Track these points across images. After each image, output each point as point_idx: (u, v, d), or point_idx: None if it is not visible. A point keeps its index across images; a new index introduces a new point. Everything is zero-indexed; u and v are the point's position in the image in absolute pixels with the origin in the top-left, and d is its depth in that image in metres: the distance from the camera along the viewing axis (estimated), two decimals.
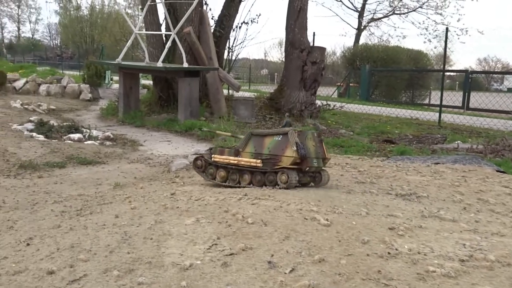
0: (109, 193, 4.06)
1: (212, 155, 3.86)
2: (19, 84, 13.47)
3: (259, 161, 3.37)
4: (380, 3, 30.60)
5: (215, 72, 11.06)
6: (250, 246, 1.97)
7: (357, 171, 4.42)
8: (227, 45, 13.26)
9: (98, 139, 7.58)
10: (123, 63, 10.27)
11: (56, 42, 52.52)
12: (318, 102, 12.38)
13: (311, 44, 12.83)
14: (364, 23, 30.16)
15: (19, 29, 53.93)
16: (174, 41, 9.76)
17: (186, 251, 1.95)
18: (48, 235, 2.39)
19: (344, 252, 1.92)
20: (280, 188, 3.20)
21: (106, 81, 16.25)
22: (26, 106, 10.58)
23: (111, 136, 7.75)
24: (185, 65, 9.68)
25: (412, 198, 3.07)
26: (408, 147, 7.46)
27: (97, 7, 40.00)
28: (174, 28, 9.91)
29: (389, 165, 4.81)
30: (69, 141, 7.09)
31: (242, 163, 3.51)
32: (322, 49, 11.82)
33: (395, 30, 53.58)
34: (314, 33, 14.84)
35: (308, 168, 3.29)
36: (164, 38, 11.33)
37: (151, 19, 11.18)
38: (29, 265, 1.89)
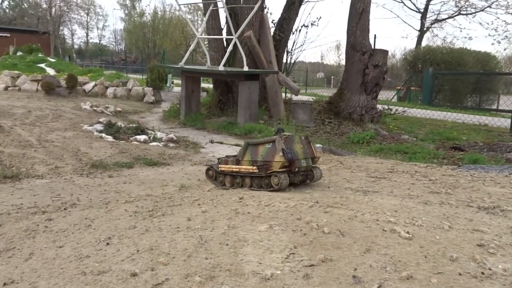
0: (177, 195, 4.13)
1: (219, 165, 4.35)
2: (88, 87, 14.19)
3: (255, 167, 3.80)
4: (444, 3, 29.27)
5: (274, 75, 11.06)
6: (330, 258, 1.89)
7: (429, 180, 4.19)
8: (286, 48, 13.21)
9: (162, 140, 7.78)
10: (186, 67, 10.51)
11: (120, 47, 55.14)
12: (379, 106, 12.01)
13: (373, 46, 12.49)
14: (427, 25, 28.98)
15: (87, 35, 57.18)
16: (235, 44, 9.86)
17: (263, 259, 1.91)
18: (126, 235, 2.44)
19: (432, 269, 1.79)
20: (274, 190, 3.59)
21: (168, 84, 16.74)
22: (95, 108, 11.11)
23: (174, 138, 7.94)
24: (245, 68, 9.74)
25: (496, 212, 2.84)
26: (480, 155, 7.01)
27: (159, 13, 41.49)
28: (235, 32, 10.01)
29: (463, 175, 4.53)
30: (136, 142, 7.34)
31: (242, 170, 3.97)
32: (385, 52, 11.47)
33: (460, 31, 51.19)
34: (375, 35, 14.44)
35: (297, 169, 3.68)
36: (225, 42, 11.50)
37: (213, 24, 11.37)
38: (111, 265, 1.93)
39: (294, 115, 11.54)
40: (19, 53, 28.76)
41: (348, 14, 11.25)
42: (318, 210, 2.67)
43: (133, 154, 6.52)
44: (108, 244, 2.28)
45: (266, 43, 11.29)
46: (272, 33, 11.75)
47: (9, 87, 13.71)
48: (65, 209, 3.86)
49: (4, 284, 1.91)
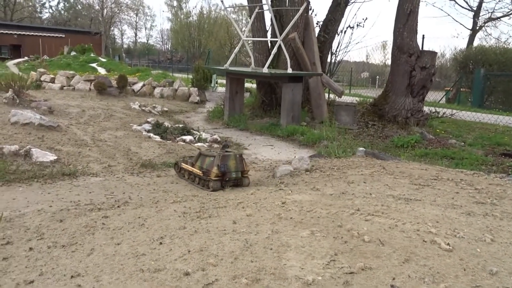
0: (221, 197, 4.31)
1: (182, 163, 5.59)
2: (137, 87, 14.78)
3: (201, 172, 5.08)
4: (500, 1, 28.04)
5: (318, 77, 11.09)
6: (369, 266, 1.98)
7: (474, 189, 4.15)
8: (331, 49, 13.18)
9: (207, 141, 8.04)
10: (230, 68, 10.75)
11: (167, 46, 56.67)
12: (426, 109, 11.76)
13: (420, 47, 12.23)
14: (479, 23, 27.88)
15: (136, 35, 59.15)
16: (279, 46, 9.99)
17: (305, 264, 2.03)
18: (176, 235, 2.63)
19: (471, 282, 1.85)
20: (211, 191, 4.83)
21: (212, 85, 17.11)
22: (143, 108, 11.58)
23: (218, 139, 8.17)
24: (289, 70, 9.84)
25: None
26: None
27: (205, 13, 42.28)
28: (279, 34, 10.13)
29: (511, 184, 4.43)
30: (182, 143, 7.63)
31: (194, 171, 5.23)
32: (433, 54, 11.21)
33: None
34: (423, 36, 14.12)
35: (228, 179, 4.97)
36: (269, 44, 11.65)
37: (258, 26, 11.55)
38: (166, 264, 2.11)
39: (337, 117, 11.52)
40: (73, 53, 30.21)
41: (395, 14, 11.10)
42: (359, 218, 2.75)
43: (180, 154, 6.79)
44: (161, 243, 2.48)
45: (310, 45, 11.33)
46: (316, 35, 11.77)
47: (64, 86, 14.50)
48: (118, 206, 4.12)
49: (72, 276, 2.14)
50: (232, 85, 10.98)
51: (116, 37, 56.12)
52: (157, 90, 14.80)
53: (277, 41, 10.03)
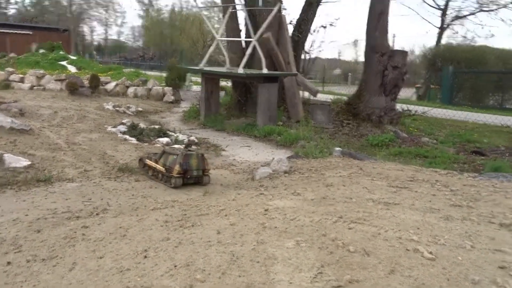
0: (202, 203, 4.28)
1: (146, 160, 5.78)
2: (110, 86, 14.49)
3: (164, 169, 5.30)
4: (465, 0, 28.85)
5: (293, 76, 11.14)
6: (356, 279, 2.01)
7: (450, 191, 4.26)
8: (304, 48, 13.26)
9: (184, 143, 7.96)
10: (206, 69, 10.67)
11: (138, 43, 55.76)
12: (398, 107, 12.00)
13: (392, 46, 12.46)
14: (447, 22, 28.62)
15: (106, 32, 57.89)
16: (253, 46, 9.97)
17: (293, 278, 2.04)
18: (161, 248, 2.60)
19: None
20: (172, 187, 5.18)
21: (186, 84, 16.95)
22: (117, 108, 11.37)
23: (196, 140, 8.11)
24: (265, 71, 9.84)
25: None
26: (501, 161, 7.01)
27: (177, 10, 41.79)
28: (254, 33, 10.12)
29: (484, 185, 4.58)
30: (159, 145, 7.53)
31: (158, 168, 5.44)
32: (404, 53, 11.45)
33: (482, 28, 50.29)
34: (394, 34, 14.39)
35: (189, 176, 5.23)
36: (243, 44, 11.62)
37: (232, 25, 11.50)
38: (152, 280, 2.09)
39: (312, 116, 11.62)
40: (41, 51, 29.32)
41: (367, 15, 11.25)
42: (342, 226, 2.79)
43: None
44: (145, 257, 2.44)
45: (284, 44, 11.37)
46: (290, 34, 11.82)
47: (34, 86, 14.08)
48: (97, 214, 4.04)
49: None
50: (207, 85, 10.91)
51: (85, 34, 54.88)
52: (131, 90, 14.55)
53: (251, 41, 10.01)
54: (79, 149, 6.61)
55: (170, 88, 14.80)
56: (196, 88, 17.39)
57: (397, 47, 11.83)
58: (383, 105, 11.15)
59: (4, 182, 4.93)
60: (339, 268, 2.14)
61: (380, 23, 10.94)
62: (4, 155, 5.57)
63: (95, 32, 58.27)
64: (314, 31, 13.31)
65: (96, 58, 38.39)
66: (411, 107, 13.14)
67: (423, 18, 52.54)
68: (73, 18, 38.34)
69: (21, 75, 14.50)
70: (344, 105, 12.39)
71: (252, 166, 6.78)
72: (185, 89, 16.42)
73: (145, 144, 7.55)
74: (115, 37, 60.39)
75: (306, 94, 12.89)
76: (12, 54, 29.40)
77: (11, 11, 53.94)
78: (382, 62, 10.99)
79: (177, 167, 5.15)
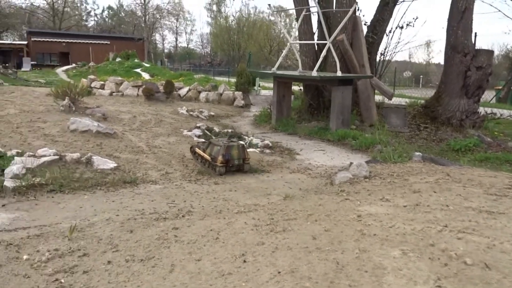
0: (286, 207, 4.20)
1: (196, 149, 6.44)
2: (183, 91, 14.95)
3: (210, 158, 5.92)
4: None
5: (367, 79, 10.81)
6: None
7: None
8: (379, 50, 12.83)
9: (258, 147, 7.96)
10: (278, 72, 10.65)
11: (207, 50, 57.39)
12: (481, 110, 11.23)
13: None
14: None
15: (176, 39, 60.23)
16: (327, 49, 9.79)
17: None
18: (258, 252, 2.54)
19: None
20: (217, 174, 5.83)
21: (256, 88, 17.08)
22: (191, 113, 11.67)
23: (270, 144, 8.08)
24: (339, 73, 9.63)
25: None
26: None
27: (244, 16, 42.45)
28: (328, 36, 9.94)
29: None
30: None
31: (205, 156, 6.05)
32: (490, 53, 10.70)
33: None
34: (475, 33, 13.51)
35: (231, 165, 5.83)
36: (316, 46, 11.47)
37: (305, 28, 11.39)
38: (258, 286, 2.02)
39: (387, 120, 11.20)
40: (118, 59, 31.05)
41: (448, 12, 10.65)
42: (450, 236, 2.57)
43: None
44: (245, 261, 2.40)
45: (358, 46, 11.07)
46: (364, 35, 11.49)
47: (113, 92, 14.87)
48: (183, 216, 4.10)
49: None
50: (279, 88, 10.87)
51: (157, 42, 57.43)
52: (203, 95, 14.91)
53: (325, 43, 9.84)
54: (160, 152, 6.82)
55: (240, 92, 14.98)
56: (265, 92, 17.48)
57: (477, 47, 11.00)
58: (465, 108, 10.48)
59: (94, 183, 5.18)
60: (458, 282, 1.95)
61: (463, 20, 10.31)
62: (93, 157, 5.86)
63: (166, 40, 60.92)
64: (389, 32, 12.85)
65: (167, 65, 39.98)
66: (496, 110, 12.25)
67: (506, 15, 48.85)
68: (146, 28, 40.28)
69: (102, 82, 15.38)
70: (421, 108, 11.81)
71: (329, 170, 6.61)
72: (255, 94, 16.55)
73: None
74: (184, 44, 62.72)
75: (379, 97, 12.46)
76: (91, 63, 31.44)
77: (91, 22, 57.85)
78: (464, 62, 10.34)
79: (220, 158, 5.78)
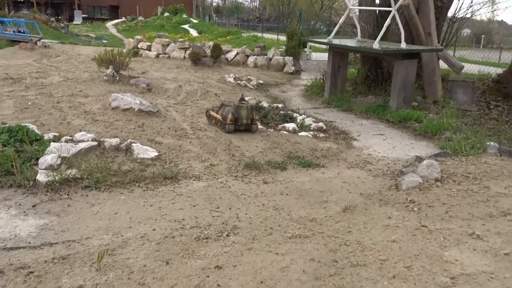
0: (349, 232, 3.49)
1: (210, 111, 6.71)
2: (230, 55, 14.13)
3: (221, 117, 6.25)
4: None
5: None
6: None
7: None
8: (447, 16, 11.33)
9: (311, 129, 7.17)
10: (334, 42, 9.58)
11: (255, 4, 55.27)
12: None
13: None
14: None
15: None
16: (388, 16, 8.57)
17: None
18: None
19: None
20: (226, 132, 6.25)
21: (307, 51, 15.96)
22: (238, 82, 10.92)
23: (324, 127, 7.25)
24: (403, 45, 8.46)
25: None
26: None
27: None
28: (394, 2, 8.69)
29: None
30: (285, 132, 6.84)
31: (217, 117, 6.35)
32: None
33: None
34: None
35: (240, 123, 6.17)
36: (377, 12, 10.21)
37: None
38: None
39: (452, 96, 9.99)
40: (165, 14, 30.34)
41: None
42: None
43: (284, 149, 6.02)
44: None
45: (425, 12, 9.73)
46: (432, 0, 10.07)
47: (160, 54, 14.29)
48: (227, 235, 3.49)
49: None
50: (334, 59, 9.84)
51: None
52: (251, 59, 14.04)
53: (388, 11, 8.62)
54: (205, 136, 6.18)
55: (291, 58, 13.96)
56: (316, 56, 16.32)
57: None
58: None
59: (133, 178, 4.65)
60: None
61: None
62: (133, 144, 5.32)
63: None
64: None
65: (215, 19, 38.85)
66: None
67: None
68: None
69: (148, 43, 14.80)
70: (492, 83, 10.43)
71: (392, 165, 5.76)
72: (305, 58, 15.46)
73: (271, 130, 6.89)
74: None
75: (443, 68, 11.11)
76: (140, 18, 30.92)
77: None
78: None
79: (229, 116, 6.15)
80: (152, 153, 5.28)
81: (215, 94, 9.20)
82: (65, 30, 24.89)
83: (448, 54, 10.47)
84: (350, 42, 9.90)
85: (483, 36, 38.80)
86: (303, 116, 8.07)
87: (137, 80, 8.63)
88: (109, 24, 32.33)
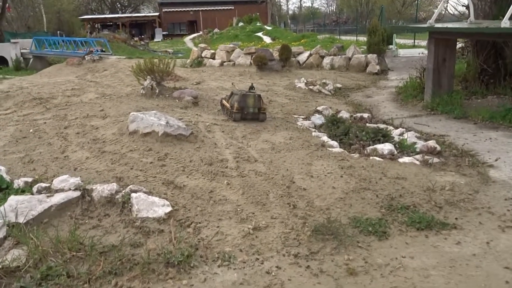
0: None
1: (223, 100, 6.23)
2: (302, 57, 11.73)
3: (230, 106, 5.83)
4: None
5: None
6: None
7: None
8: None
9: (417, 151, 4.56)
10: (437, 26, 6.77)
11: (332, 8, 52.09)
12: None
13: None
14: None
15: (300, 0, 55.89)
16: None
17: None
18: None
19: None
20: (233, 120, 5.67)
21: (393, 48, 13.01)
22: (310, 87, 8.51)
23: (437, 147, 4.58)
24: None
25: None
26: None
27: None
28: None
29: None
30: (377, 158, 4.30)
31: (226, 105, 5.97)
32: None
33: None
34: None
35: (246, 112, 5.68)
36: None
37: None
38: None
39: None
40: (240, 24, 28.86)
41: None
42: None
43: (380, 192, 3.51)
44: None
45: None
46: None
47: (224, 62, 12.38)
48: None
49: None
50: (438, 49, 7.01)
51: (281, 3, 53.80)
52: (326, 60, 11.51)
53: None
54: (252, 173, 3.88)
55: (374, 55, 11.20)
56: (404, 53, 13.28)
57: None
58: None
59: (112, 267, 2.49)
60: None
61: None
62: (133, 195, 3.19)
63: (290, 0, 56.98)
64: None
65: (291, 26, 36.68)
66: None
67: None
68: None
69: (212, 51, 12.95)
70: None
71: None
72: (391, 55, 12.54)
73: (354, 155, 4.41)
74: (308, 4, 58.09)
75: None
76: (215, 30, 29.74)
77: None
78: None
79: (236, 104, 5.63)
80: (161, 209, 3.11)
81: (232, 84, 8.25)
82: (143, 47, 24.36)
83: None
84: (461, 25, 7.01)
85: None
86: (400, 129, 5.46)
87: (181, 92, 6.63)
88: (187, 38, 31.65)
